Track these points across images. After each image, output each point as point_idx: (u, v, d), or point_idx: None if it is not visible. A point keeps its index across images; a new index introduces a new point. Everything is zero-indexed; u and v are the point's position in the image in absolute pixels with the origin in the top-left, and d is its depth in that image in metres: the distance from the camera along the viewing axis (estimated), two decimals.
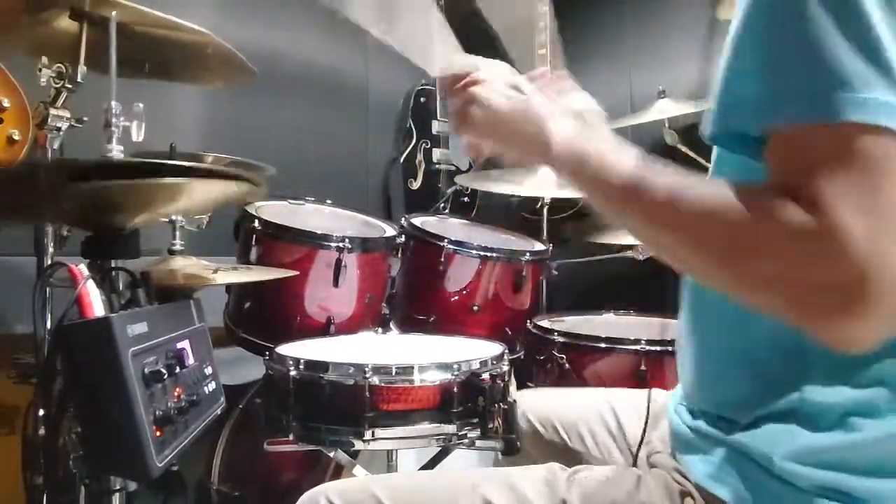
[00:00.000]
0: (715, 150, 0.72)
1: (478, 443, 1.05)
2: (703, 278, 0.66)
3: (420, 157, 3.12)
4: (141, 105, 1.07)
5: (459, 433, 1.03)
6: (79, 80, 1.19)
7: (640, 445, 0.91)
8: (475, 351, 1.16)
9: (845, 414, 0.62)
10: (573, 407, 1.08)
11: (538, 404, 1.12)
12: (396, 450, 1.15)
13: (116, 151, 1.02)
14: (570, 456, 1.03)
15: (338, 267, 1.60)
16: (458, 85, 0.82)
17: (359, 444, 1.01)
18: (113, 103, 1.03)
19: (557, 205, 2.34)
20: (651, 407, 0.92)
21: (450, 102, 0.84)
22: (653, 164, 0.64)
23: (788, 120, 0.55)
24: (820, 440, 0.63)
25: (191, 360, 0.98)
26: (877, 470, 0.62)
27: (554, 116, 0.74)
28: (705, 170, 0.72)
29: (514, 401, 1.04)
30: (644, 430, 0.91)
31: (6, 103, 1.54)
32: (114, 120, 1.03)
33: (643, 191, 0.62)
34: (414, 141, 3.12)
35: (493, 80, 0.80)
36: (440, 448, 1.18)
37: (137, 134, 1.07)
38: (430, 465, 1.21)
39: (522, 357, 1.81)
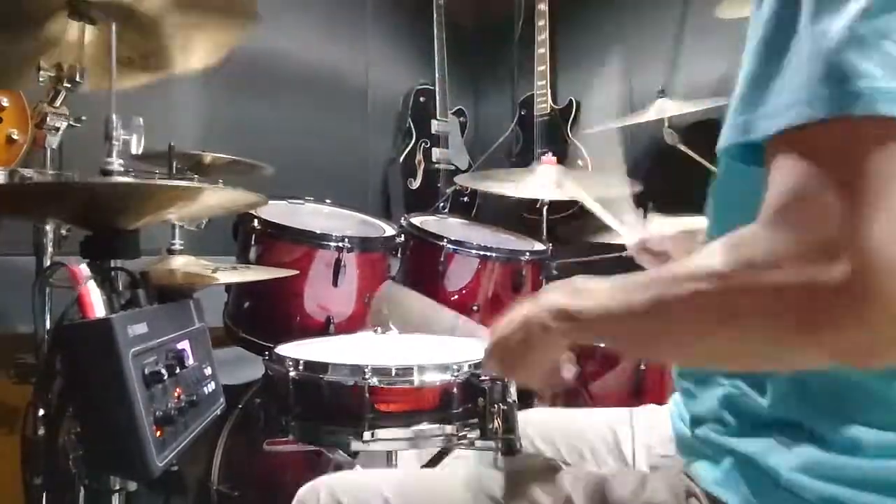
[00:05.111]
0: (723, 163, 0.68)
1: (477, 443, 1.05)
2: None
3: (420, 156, 3.12)
4: (141, 119, 1.07)
5: (459, 434, 1.02)
6: (78, 79, 1.19)
7: (633, 452, 0.92)
8: (475, 351, 1.16)
9: (854, 429, 0.61)
10: (578, 427, 1.05)
11: (544, 426, 1.09)
12: (396, 450, 1.15)
13: (116, 164, 1.02)
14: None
15: (337, 267, 1.60)
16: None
17: (358, 445, 1.01)
18: (113, 116, 1.03)
19: (557, 204, 2.34)
20: (644, 423, 0.95)
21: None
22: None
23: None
24: (828, 454, 0.62)
25: (191, 361, 0.98)
26: (885, 486, 0.60)
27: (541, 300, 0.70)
28: (705, 170, 0.71)
29: (514, 401, 1.04)
30: (633, 444, 0.93)
31: (5, 103, 1.54)
32: (114, 133, 1.02)
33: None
34: (413, 141, 3.13)
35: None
36: (440, 448, 1.18)
37: (137, 147, 1.06)
38: (430, 465, 1.21)
39: None
